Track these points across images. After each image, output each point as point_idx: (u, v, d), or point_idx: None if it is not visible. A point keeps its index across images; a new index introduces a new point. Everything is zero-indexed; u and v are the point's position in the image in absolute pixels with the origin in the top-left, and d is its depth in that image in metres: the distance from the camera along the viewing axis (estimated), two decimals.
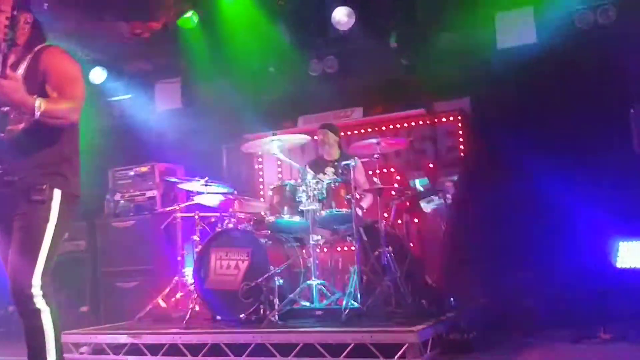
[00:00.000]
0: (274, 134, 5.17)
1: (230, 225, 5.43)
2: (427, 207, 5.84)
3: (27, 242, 2.90)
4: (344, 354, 4.15)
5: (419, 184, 5.91)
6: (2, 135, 2.87)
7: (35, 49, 3.04)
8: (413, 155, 6.53)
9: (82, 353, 5.10)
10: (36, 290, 2.86)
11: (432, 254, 6.11)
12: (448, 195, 5.88)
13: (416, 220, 6.09)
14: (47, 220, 2.92)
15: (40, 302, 2.86)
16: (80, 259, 6.69)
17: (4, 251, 3.01)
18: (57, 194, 2.96)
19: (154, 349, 4.80)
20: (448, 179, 6.12)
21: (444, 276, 6.03)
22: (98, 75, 7.48)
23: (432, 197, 5.83)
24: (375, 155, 5.17)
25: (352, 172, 5.01)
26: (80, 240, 6.72)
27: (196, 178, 5.60)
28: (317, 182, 5.12)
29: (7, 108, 2.86)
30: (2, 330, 7.51)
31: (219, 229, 5.42)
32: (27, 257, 2.88)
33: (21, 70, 2.98)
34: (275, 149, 5.21)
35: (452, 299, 5.39)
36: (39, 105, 2.76)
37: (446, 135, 6.56)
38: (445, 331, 4.48)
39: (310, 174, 5.31)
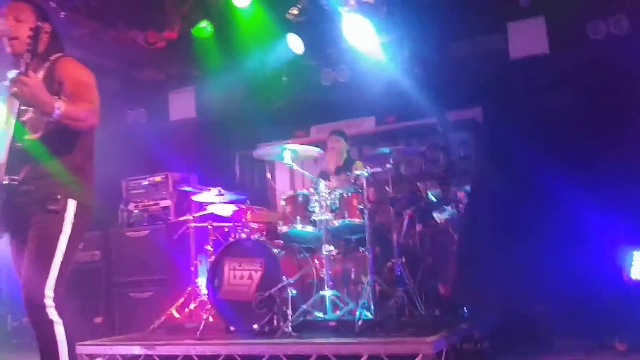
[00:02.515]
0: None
1: (243, 235, 5.44)
2: (439, 217, 5.82)
3: (40, 253, 2.91)
4: None
5: (431, 193, 5.88)
6: (19, 144, 2.90)
7: (52, 57, 3.09)
8: (425, 164, 6.52)
9: None
10: (49, 301, 2.86)
11: (444, 264, 6.07)
12: (460, 205, 5.86)
13: (429, 230, 6.06)
14: (61, 230, 2.94)
15: (52, 313, 2.86)
16: (94, 269, 6.70)
17: (19, 262, 3.02)
18: (71, 204, 2.98)
19: None
20: (460, 189, 6.10)
21: (456, 286, 6.00)
22: (113, 84, 7.53)
23: (444, 206, 5.81)
24: (388, 165, 5.17)
25: (362, 181, 5.00)
26: (94, 250, 6.74)
27: (209, 188, 5.63)
28: (330, 192, 5.12)
29: (25, 118, 2.88)
30: (17, 341, 7.59)
31: (232, 239, 5.43)
32: (40, 268, 2.88)
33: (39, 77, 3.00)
34: (288, 158, 5.23)
35: (465, 309, 5.37)
36: (59, 105, 2.78)
37: (458, 144, 6.56)
38: (458, 341, 4.47)
39: (322, 183, 5.31)
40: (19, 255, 3.02)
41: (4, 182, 2.85)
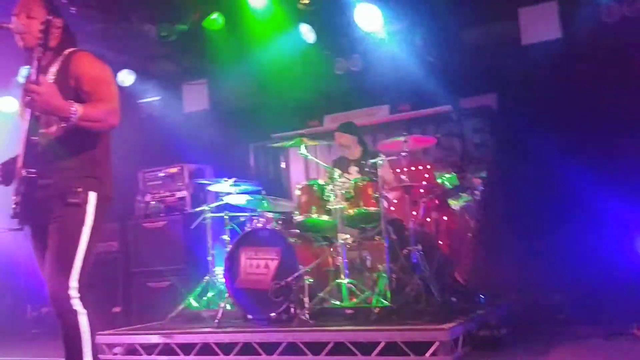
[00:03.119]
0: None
1: (259, 225, 5.48)
2: (455, 204, 5.82)
3: (64, 245, 2.92)
4: (375, 352, 4.17)
5: (447, 181, 5.88)
6: (36, 138, 2.88)
7: (65, 52, 3.08)
8: (440, 152, 6.51)
9: (115, 354, 5.18)
10: (73, 292, 2.88)
11: (461, 251, 6.08)
12: (476, 192, 5.85)
13: (445, 217, 6.05)
14: (83, 223, 2.95)
15: (77, 304, 2.88)
16: (112, 259, 6.78)
17: (40, 254, 3.04)
18: (92, 196, 2.98)
19: (186, 349, 4.86)
20: (476, 176, 6.10)
21: (473, 273, 6.01)
22: (126, 77, 7.56)
23: (460, 194, 5.82)
24: (403, 153, 5.17)
25: (378, 170, 5.01)
26: (112, 241, 6.82)
27: (224, 178, 5.67)
28: (345, 181, 5.13)
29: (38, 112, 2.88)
30: (37, 331, 7.70)
31: (248, 229, 5.47)
32: (64, 260, 2.90)
33: (52, 74, 3.01)
34: (302, 148, 5.24)
35: (481, 296, 5.37)
36: (76, 110, 2.78)
37: (473, 131, 6.54)
38: (475, 328, 4.47)
39: (337, 172, 5.33)
40: (40, 247, 3.04)
41: (23, 176, 2.84)
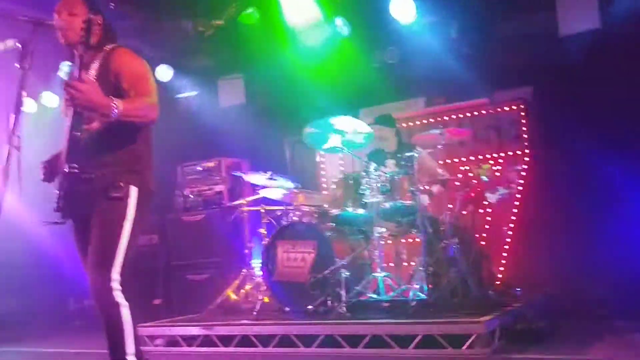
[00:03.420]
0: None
1: (295, 219, 5.52)
2: (492, 197, 5.77)
3: (106, 239, 2.97)
4: (413, 345, 4.18)
5: (483, 174, 5.84)
6: (78, 134, 2.93)
7: (106, 49, 3.13)
8: (477, 145, 6.45)
9: (157, 345, 5.29)
10: (115, 284, 2.93)
11: (497, 244, 6.04)
12: (513, 185, 5.79)
13: (481, 210, 6.03)
14: (124, 216, 2.99)
15: (119, 296, 2.93)
16: (152, 252, 6.89)
17: (82, 248, 3.10)
18: (133, 191, 3.03)
19: (225, 340, 4.94)
20: (512, 168, 6.03)
21: (510, 266, 5.96)
22: (164, 73, 7.66)
23: (497, 187, 5.76)
24: (439, 146, 5.15)
25: (414, 163, 4.99)
26: (152, 234, 6.93)
27: (261, 172, 5.72)
28: (380, 175, 5.13)
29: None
30: (80, 323, 7.90)
31: (285, 222, 5.51)
32: (106, 253, 2.95)
33: (93, 70, 3.06)
34: (337, 141, 5.26)
35: (518, 288, 5.33)
36: (117, 105, 2.82)
37: (510, 124, 6.45)
38: (512, 321, 4.44)
39: (373, 165, 5.33)
40: (82, 241, 3.10)
41: (66, 171, 2.90)
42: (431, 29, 6.59)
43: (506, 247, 6.06)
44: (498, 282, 5.56)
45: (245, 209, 6.01)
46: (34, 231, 6.44)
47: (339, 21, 6.70)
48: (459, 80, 6.48)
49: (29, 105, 7.36)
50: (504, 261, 6.03)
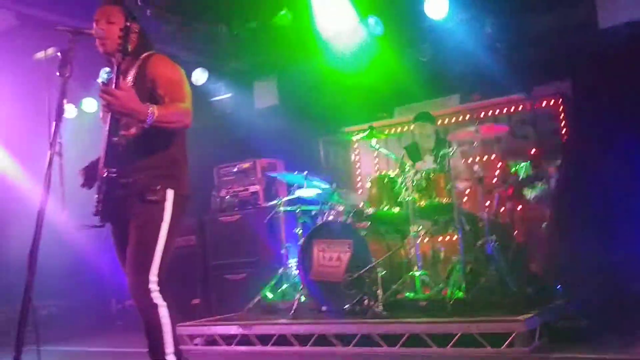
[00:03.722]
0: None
1: (331, 218, 5.53)
2: (530, 193, 5.69)
3: (143, 241, 3.03)
4: (451, 344, 4.15)
5: (520, 170, 5.75)
6: (116, 139, 3.01)
7: (142, 56, 3.20)
8: (514, 141, 6.36)
9: (196, 344, 5.37)
10: (154, 286, 2.99)
11: (536, 241, 5.95)
12: (551, 181, 5.70)
13: (519, 207, 5.94)
14: (161, 219, 3.05)
15: (157, 297, 2.99)
16: (190, 253, 6.97)
17: (121, 250, 3.17)
18: (170, 194, 3.09)
19: (264, 339, 4.98)
20: (551, 164, 5.93)
21: (550, 263, 5.86)
22: (200, 76, 7.76)
23: (535, 183, 5.68)
24: (475, 143, 5.09)
25: (450, 160, 4.96)
26: (190, 235, 7.02)
27: (296, 172, 5.75)
28: (416, 172, 5.10)
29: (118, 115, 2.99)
30: (122, 323, 8.06)
31: (320, 222, 5.53)
32: (144, 256, 3.02)
33: (130, 77, 3.14)
34: (373, 140, 5.25)
35: (559, 286, 5.23)
36: (152, 112, 2.88)
37: (547, 119, 6.35)
38: (553, 319, 4.37)
39: (408, 164, 5.31)
40: (121, 244, 3.17)
41: (104, 175, 2.98)
42: (465, 25, 6.52)
43: (545, 243, 5.96)
44: (538, 279, 5.47)
45: (281, 208, 6.05)
46: (77, 235, 6.60)
47: (372, 20, 6.68)
48: (495, 75, 6.40)
49: (69, 111, 7.54)
50: (543, 258, 5.93)
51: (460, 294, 4.65)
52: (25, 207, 5.59)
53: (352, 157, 7.53)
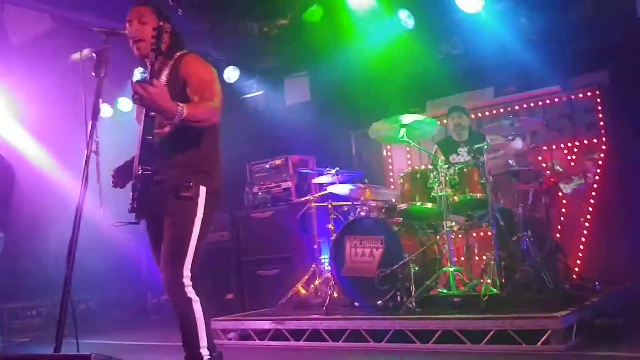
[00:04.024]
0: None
1: (363, 214, 5.52)
2: (566, 187, 5.60)
3: (177, 237, 3.08)
4: (485, 340, 4.11)
5: (557, 164, 5.66)
6: (151, 138, 3.05)
7: (175, 55, 3.25)
8: (550, 134, 6.26)
9: (229, 339, 5.42)
10: (187, 280, 3.04)
11: (574, 237, 5.85)
12: (589, 175, 5.60)
13: (556, 202, 5.84)
14: (195, 215, 3.10)
15: (191, 292, 3.04)
16: (223, 249, 7.03)
17: (155, 246, 3.23)
18: (202, 190, 3.14)
19: (296, 335, 5.00)
20: (588, 158, 5.83)
21: (586, 259, 5.76)
22: (231, 74, 7.81)
23: (571, 177, 5.59)
24: (510, 137, 5.02)
25: (484, 154, 4.89)
26: (223, 231, 7.08)
27: (327, 168, 5.75)
28: (449, 167, 5.05)
29: (153, 114, 3.03)
30: (157, 317, 8.19)
31: (352, 218, 5.52)
32: (177, 251, 3.06)
33: (164, 76, 3.19)
34: (404, 135, 5.21)
35: (597, 282, 5.14)
36: (182, 110, 2.91)
37: (584, 111, 6.23)
38: (590, 317, 4.28)
39: (441, 159, 5.26)
40: (155, 240, 3.22)
41: (139, 173, 3.02)
42: (498, 17, 6.42)
43: (583, 239, 5.86)
44: (575, 276, 5.38)
45: (313, 204, 6.05)
46: (113, 231, 6.71)
47: (403, 14, 6.63)
48: (530, 67, 6.30)
49: (105, 110, 7.68)
50: (580, 254, 5.84)
51: (495, 290, 4.59)
52: (64, 204, 5.70)
53: (384, 152, 7.49)
